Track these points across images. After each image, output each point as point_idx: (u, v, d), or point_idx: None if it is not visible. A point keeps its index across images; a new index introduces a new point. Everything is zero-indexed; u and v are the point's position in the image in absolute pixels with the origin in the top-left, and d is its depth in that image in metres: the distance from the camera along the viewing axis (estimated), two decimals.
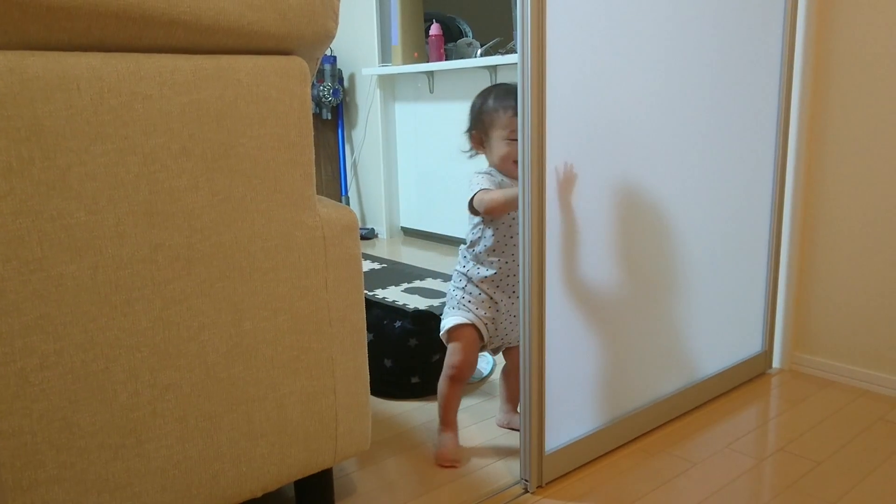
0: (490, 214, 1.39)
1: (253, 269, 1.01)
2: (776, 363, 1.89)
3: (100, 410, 0.91)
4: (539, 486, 1.31)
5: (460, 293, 1.44)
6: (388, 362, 1.74)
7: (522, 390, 1.28)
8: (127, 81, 0.87)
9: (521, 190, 1.21)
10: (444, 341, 1.46)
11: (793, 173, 1.78)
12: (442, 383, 1.44)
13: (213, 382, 1.00)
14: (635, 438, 1.49)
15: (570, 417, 1.37)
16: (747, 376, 1.78)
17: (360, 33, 3.77)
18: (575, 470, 1.37)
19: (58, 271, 0.85)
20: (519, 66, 1.17)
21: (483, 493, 1.29)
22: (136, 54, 0.89)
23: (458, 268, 1.47)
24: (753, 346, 1.81)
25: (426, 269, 3.08)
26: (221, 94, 0.94)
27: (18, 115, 0.81)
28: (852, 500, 1.26)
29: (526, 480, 1.30)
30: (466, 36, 3.50)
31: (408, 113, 3.71)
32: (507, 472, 1.36)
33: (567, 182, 1.28)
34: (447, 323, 1.43)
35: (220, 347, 1.00)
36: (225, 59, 0.95)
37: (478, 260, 1.43)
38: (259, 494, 1.08)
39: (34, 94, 0.81)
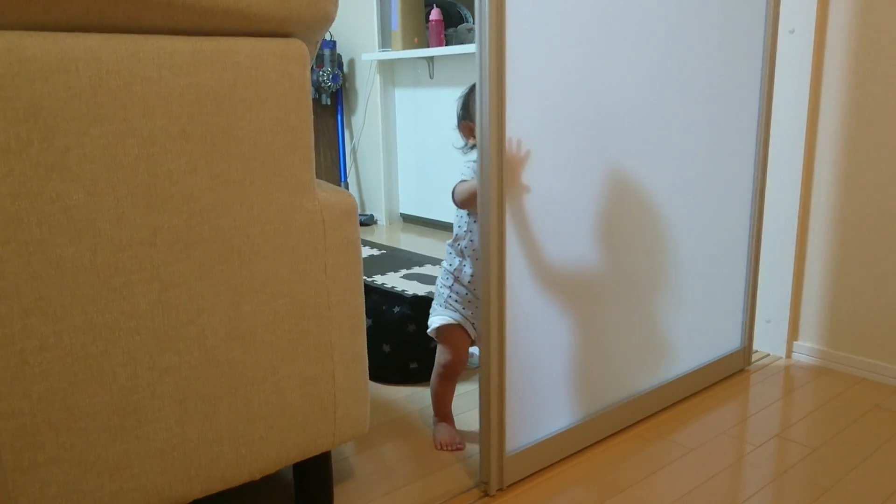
0: (463, 207, 1.35)
1: (252, 252, 1.01)
2: (775, 351, 1.89)
3: (99, 392, 0.91)
4: (499, 490, 1.26)
5: (447, 291, 1.42)
6: (386, 347, 1.75)
7: (481, 389, 1.23)
8: (126, 63, 0.87)
9: (479, 175, 1.16)
10: (433, 337, 1.45)
11: (783, 164, 1.78)
12: (434, 381, 1.45)
13: (211, 365, 1.00)
14: (606, 437, 1.45)
15: (534, 416, 1.32)
16: (726, 373, 1.75)
17: (360, 18, 3.75)
18: (541, 471, 1.33)
19: (57, 253, 0.85)
20: (477, 50, 1.12)
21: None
22: (134, 36, 0.88)
23: (445, 265, 1.44)
24: (733, 342, 1.79)
25: (425, 256, 3.08)
26: (221, 76, 0.94)
27: (17, 96, 0.80)
28: (848, 486, 1.26)
29: (485, 483, 1.26)
30: (467, 21, 3.49)
31: (407, 99, 3.70)
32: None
33: (516, 160, 1.19)
34: (434, 322, 1.42)
35: (219, 331, 1.00)
36: (224, 42, 0.94)
37: (463, 256, 1.40)
38: (258, 477, 1.09)
39: (32, 75, 0.81)
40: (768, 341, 1.90)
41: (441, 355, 1.42)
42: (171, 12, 0.90)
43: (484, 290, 1.20)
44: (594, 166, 1.34)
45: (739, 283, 1.76)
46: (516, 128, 1.18)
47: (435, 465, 1.35)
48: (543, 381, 1.33)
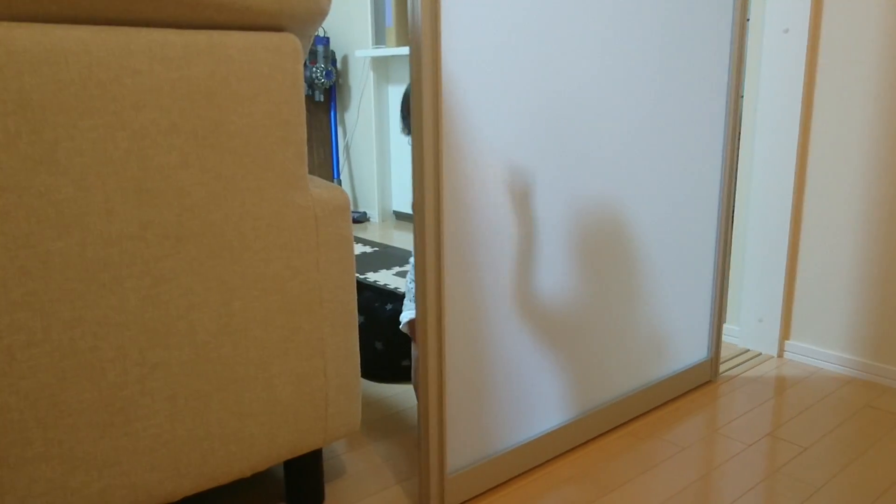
0: None
1: (243, 248, 1.00)
2: (767, 350, 1.90)
3: (88, 388, 0.90)
4: None
5: (415, 286, 1.41)
6: (378, 345, 1.74)
7: (419, 404, 1.16)
8: (116, 55, 0.86)
9: (413, 177, 1.07)
10: (406, 332, 1.43)
11: (776, 163, 1.78)
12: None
13: (202, 362, 0.99)
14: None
15: (480, 432, 1.24)
16: (691, 385, 1.68)
17: (354, 14, 3.74)
18: (492, 490, 1.26)
19: (45, 248, 0.84)
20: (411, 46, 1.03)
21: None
22: (125, 28, 0.87)
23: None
24: (699, 353, 1.71)
25: None
26: (213, 70, 0.93)
27: (5, 87, 0.79)
28: (839, 485, 1.27)
29: None
30: None
31: (401, 95, 3.69)
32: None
33: (525, 189, 1.19)
34: (405, 316, 1.41)
35: (210, 327, 0.99)
36: (216, 35, 0.94)
37: None
38: (248, 474, 1.08)
39: (21, 66, 0.80)
40: (760, 340, 1.91)
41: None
42: (163, 5, 0.89)
43: (419, 292, 1.11)
44: (551, 172, 1.26)
45: (706, 294, 1.69)
46: (459, 131, 1.10)
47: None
48: (492, 397, 1.25)
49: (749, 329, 1.93)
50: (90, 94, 0.84)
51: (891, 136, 1.62)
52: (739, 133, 1.65)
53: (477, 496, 1.24)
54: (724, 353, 1.90)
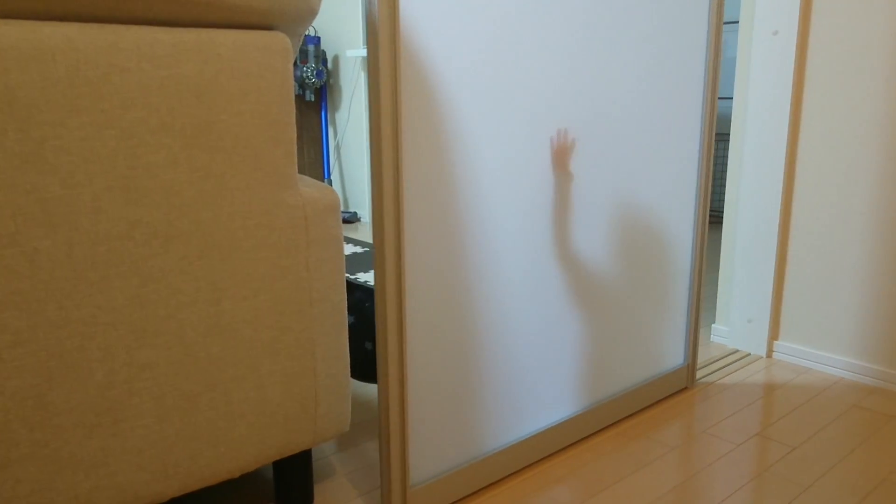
0: None
1: (233, 247, 1.00)
2: (756, 351, 1.91)
3: (75, 388, 0.89)
4: None
5: None
6: (369, 345, 1.74)
7: (380, 415, 1.12)
8: (104, 53, 0.85)
9: (372, 177, 1.03)
10: None
11: (765, 164, 1.79)
12: None
13: (191, 362, 0.98)
14: (539, 460, 1.37)
15: (445, 444, 1.20)
16: (669, 390, 1.66)
17: (345, 14, 3.73)
18: (462, 500, 1.23)
19: (32, 246, 0.84)
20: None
21: None
22: (113, 25, 0.87)
23: None
24: (675, 359, 1.68)
25: None
26: (202, 68, 0.93)
27: None
28: (827, 484, 1.27)
29: None
30: None
31: None
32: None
33: (562, 151, 1.24)
34: None
35: (199, 326, 0.98)
36: (205, 33, 0.93)
37: None
38: (237, 475, 1.07)
39: (8, 64, 0.79)
40: (749, 341, 1.91)
41: None
42: (152, 2, 0.88)
43: (378, 297, 1.08)
44: (524, 176, 1.23)
45: (682, 301, 1.66)
46: (422, 130, 1.07)
47: None
48: (455, 407, 1.21)
49: (738, 329, 1.93)
50: (78, 91, 0.84)
51: (880, 138, 1.63)
52: (715, 136, 1.62)
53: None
54: (713, 354, 1.91)
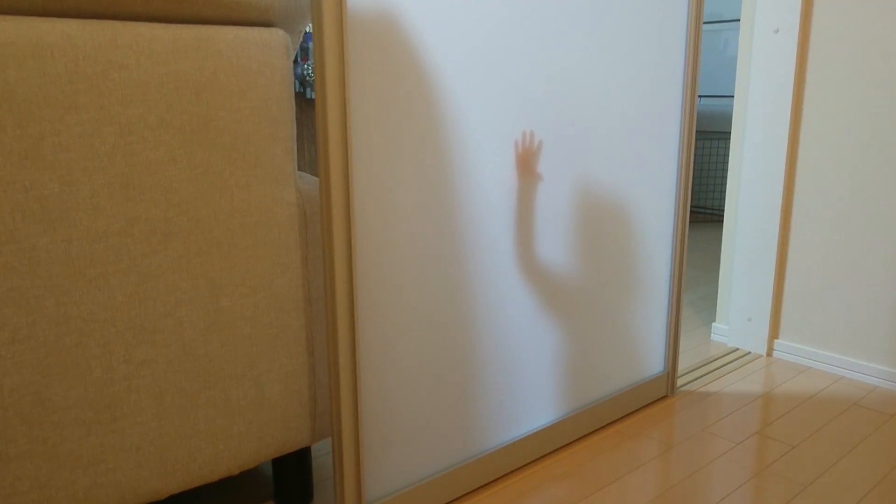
0: None
1: (231, 244, 1.00)
2: (756, 349, 1.90)
3: (73, 385, 0.89)
4: None
5: None
6: None
7: (332, 429, 1.05)
8: (103, 50, 0.85)
9: (320, 174, 0.97)
10: None
11: (765, 163, 1.79)
12: None
13: (190, 359, 0.98)
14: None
15: (403, 458, 1.14)
16: (649, 399, 1.60)
17: None
18: None
19: (30, 243, 0.83)
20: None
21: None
22: (112, 22, 0.86)
23: None
24: (655, 367, 1.62)
25: None
26: (201, 65, 0.92)
27: None
28: (826, 483, 1.27)
29: None
30: None
31: None
32: None
33: (526, 155, 1.18)
34: None
35: (198, 324, 0.98)
36: (204, 30, 0.93)
37: None
38: (236, 472, 1.07)
39: (6, 60, 0.79)
40: (749, 339, 1.91)
41: None
42: None
43: (327, 299, 1.01)
44: (490, 177, 1.18)
45: (662, 309, 1.61)
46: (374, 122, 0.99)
47: None
48: (422, 418, 1.16)
49: (738, 328, 1.93)
50: (76, 88, 0.84)
51: (880, 137, 1.63)
52: (693, 139, 1.56)
53: None
54: (712, 353, 1.91)
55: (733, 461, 1.35)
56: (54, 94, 0.82)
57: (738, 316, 1.93)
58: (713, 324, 2.02)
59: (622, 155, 1.41)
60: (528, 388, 1.33)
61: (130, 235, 0.90)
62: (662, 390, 1.64)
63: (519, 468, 1.33)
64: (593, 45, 1.31)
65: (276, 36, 0.99)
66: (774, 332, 1.88)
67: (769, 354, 1.88)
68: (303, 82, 3.78)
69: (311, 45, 3.73)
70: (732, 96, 3.42)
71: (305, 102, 3.89)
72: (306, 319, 1.09)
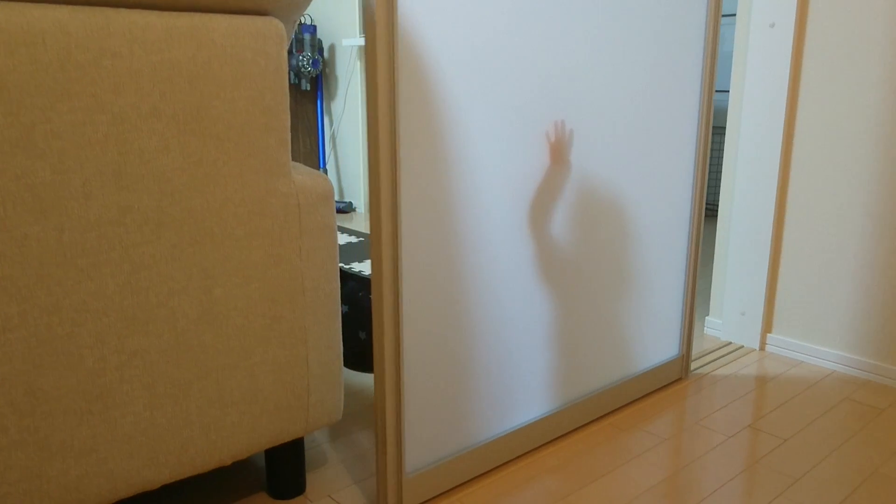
0: None
1: (225, 235, 0.99)
2: (749, 343, 1.91)
3: (65, 375, 0.89)
4: None
5: None
6: (362, 334, 1.74)
7: (375, 403, 1.13)
8: (95, 37, 0.84)
9: (369, 170, 1.03)
10: None
11: (759, 157, 1.79)
12: None
13: (182, 349, 0.98)
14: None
15: (439, 433, 1.20)
16: (663, 381, 1.66)
17: (341, 3, 3.71)
18: (450, 491, 1.23)
19: (21, 232, 0.83)
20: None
21: None
22: (105, 9, 0.86)
23: None
24: (671, 351, 1.68)
25: None
26: (194, 53, 0.92)
27: None
28: (817, 476, 1.28)
29: None
30: None
31: None
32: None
33: (559, 143, 1.25)
34: None
35: (191, 314, 0.98)
36: (198, 18, 0.92)
37: None
38: (228, 463, 1.07)
39: None
40: (742, 333, 1.92)
41: None
42: None
43: (374, 282, 1.08)
44: (520, 168, 1.23)
45: (678, 292, 1.66)
46: (418, 119, 1.06)
47: None
48: (449, 396, 1.21)
49: (731, 322, 1.94)
50: (68, 76, 0.83)
51: (875, 132, 1.63)
52: (711, 130, 1.63)
53: (444, 493, 1.23)
54: (706, 346, 1.92)
55: (725, 454, 1.35)
56: (46, 82, 0.82)
57: (731, 310, 1.93)
58: (707, 318, 2.03)
59: (643, 146, 1.47)
60: (552, 369, 1.39)
61: (123, 225, 0.90)
62: (677, 373, 1.70)
63: (550, 441, 1.40)
64: (617, 41, 1.36)
65: (270, 25, 0.98)
66: (767, 327, 1.89)
67: (762, 348, 1.89)
68: (298, 74, 3.76)
69: (305, 36, 3.71)
70: (727, 91, 3.43)
71: (300, 94, 3.88)
72: (300, 310, 1.09)
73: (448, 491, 1.23)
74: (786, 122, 1.76)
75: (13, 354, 0.85)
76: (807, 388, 1.65)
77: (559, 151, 1.27)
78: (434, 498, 1.21)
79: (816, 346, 1.80)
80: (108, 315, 0.91)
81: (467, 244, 1.19)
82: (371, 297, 1.75)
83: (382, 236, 1.05)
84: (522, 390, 1.34)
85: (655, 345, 1.64)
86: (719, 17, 1.54)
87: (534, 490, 1.23)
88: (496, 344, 1.28)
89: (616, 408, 1.54)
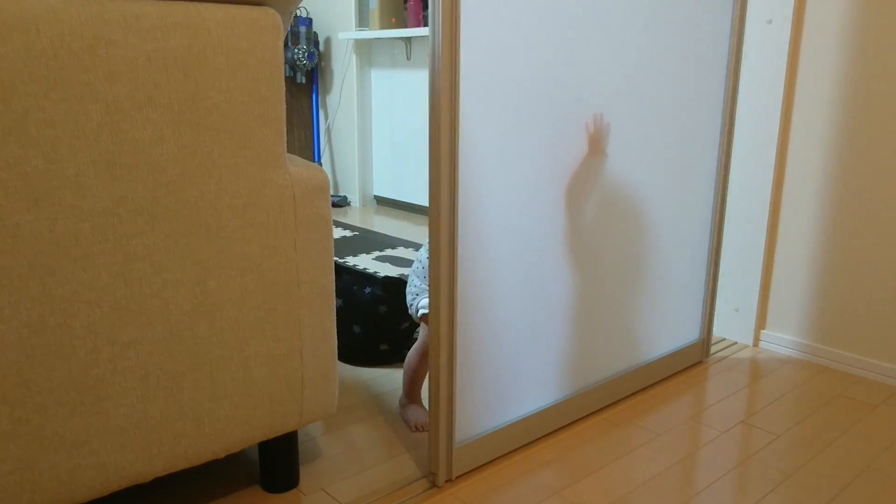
0: None
1: (219, 226, 0.98)
2: (742, 340, 1.91)
3: (57, 366, 0.88)
4: (447, 481, 1.23)
5: None
6: (356, 328, 1.73)
7: (431, 377, 1.19)
8: (90, 25, 0.83)
9: (430, 155, 1.10)
10: (416, 319, 1.40)
11: (755, 153, 1.79)
12: (413, 357, 1.42)
13: (176, 341, 0.97)
14: (564, 427, 1.43)
15: (487, 406, 1.28)
16: (684, 364, 1.73)
17: None
18: (492, 462, 1.30)
19: (13, 221, 0.82)
20: (430, 30, 1.07)
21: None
22: None
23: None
24: (692, 334, 1.76)
25: (398, 238, 3.06)
26: (190, 43, 0.91)
27: None
28: (809, 472, 1.28)
29: (433, 474, 1.22)
30: None
31: (384, 79, 3.66)
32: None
33: (598, 134, 1.33)
34: (427, 303, 1.39)
35: (184, 305, 0.97)
36: (194, 7, 0.91)
37: None
38: (222, 456, 1.07)
39: None
40: (736, 329, 1.92)
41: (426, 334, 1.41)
42: None
43: (433, 272, 1.14)
44: (557, 155, 1.30)
45: (700, 275, 1.74)
46: (472, 113, 1.14)
47: (400, 449, 1.34)
48: (496, 372, 1.29)
49: (725, 318, 1.94)
50: (62, 63, 0.82)
51: (870, 129, 1.63)
52: (734, 123, 1.67)
53: (483, 465, 1.29)
54: None
55: (718, 450, 1.36)
56: (39, 70, 0.81)
57: (725, 306, 1.93)
58: None
59: (671, 138, 1.55)
60: (579, 351, 1.46)
61: (116, 215, 0.89)
62: (699, 355, 1.78)
63: (596, 411, 1.50)
64: (649, 43, 1.43)
65: (266, 15, 0.98)
66: (761, 323, 1.89)
67: (756, 345, 1.89)
68: (293, 67, 3.75)
69: (301, 28, 3.69)
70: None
71: (296, 87, 3.86)
72: (295, 303, 1.08)
73: (493, 460, 1.30)
74: (781, 119, 1.76)
75: (4, 345, 0.84)
76: (800, 385, 1.65)
77: (597, 141, 1.34)
78: (482, 466, 1.28)
79: (810, 343, 1.80)
80: (100, 306, 0.90)
81: (528, 231, 1.28)
82: (366, 290, 1.74)
83: (441, 214, 1.11)
84: (552, 370, 1.39)
85: (677, 328, 1.72)
86: (744, 19, 1.62)
87: (511, 493, 1.23)
88: (534, 324, 1.34)
89: (628, 394, 1.58)
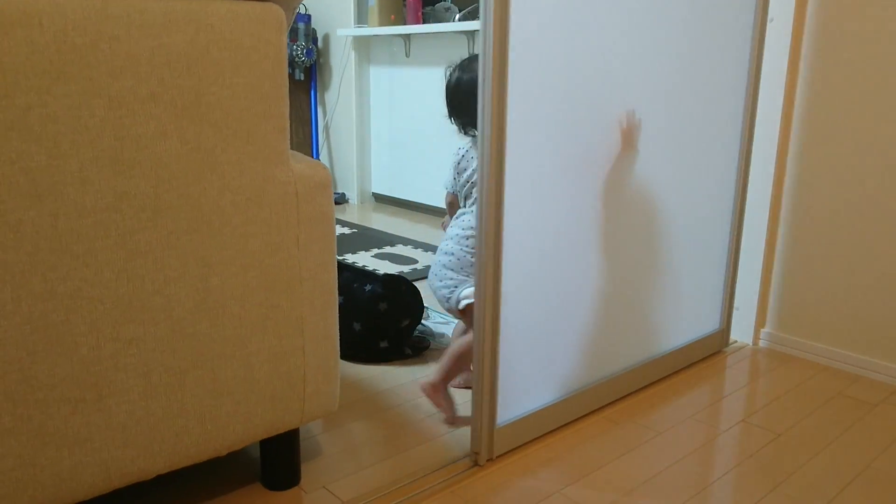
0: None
1: (222, 223, 0.98)
2: (741, 338, 1.92)
3: (59, 363, 0.88)
4: (489, 460, 1.28)
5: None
6: (357, 326, 1.73)
7: (475, 362, 1.25)
8: (93, 20, 0.83)
9: (480, 152, 1.16)
10: (455, 310, 1.42)
11: (756, 153, 1.79)
12: (464, 343, 1.42)
13: (178, 338, 0.97)
14: (593, 412, 1.48)
15: (524, 389, 1.34)
16: (705, 353, 1.79)
17: None
18: (527, 444, 1.35)
19: (16, 217, 0.82)
20: (481, 31, 1.12)
21: (429, 466, 1.26)
22: None
23: (464, 231, 1.43)
24: (712, 323, 1.82)
25: (397, 236, 3.06)
26: (193, 38, 0.90)
27: None
28: (810, 471, 1.28)
29: (476, 453, 1.28)
30: (445, 0, 3.45)
31: (383, 76, 3.65)
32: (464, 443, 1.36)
33: (631, 130, 1.38)
34: (469, 293, 1.39)
35: (187, 302, 0.97)
36: (198, 3, 0.91)
37: None
38: (223, 453, 1.06)
39: None
40: (736, 328, 1.92)
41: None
42: None
43: (479, 265, 1.20)
44: (588, 150, 1.36)
45: (720, 267, 1.80)
46: (518, 108, 1.19)
47: (404, 444, 1.34)
48: (533, 357, 1.35)
49: None
50: (65, 58, 0.82)
51: (871, 128, 1.64)
52: (755, 118, 1.73)
53: (524, 444, 1.35)
54: None
55: (718, 449, 1.36)
56: (42, 64, 0.80)
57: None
58: None
59: (697, 133, 1.61)
60: (604, 339, 1.52)
61: (119, 211, 0.89)
62: (719, 344, 1.84)
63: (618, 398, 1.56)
64: (675, 44, 1.49)
65: (270, 11, 0.97)
66: (761, 322, 1.89)
67: (755, 343, 1.89)
68: (291, 63, 3.74)
69: (300, 25, 3.68)
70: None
71: (294, 84, 3.85)
72: (297, 300, 1.08)
73: (536, 439, 1.37)
74: (782, 117, 1.76)
75: (7, 341, 0.83)
76: (800, 384, 1.66)
77: (630, 137, 1.39)
78: (520, 447, 1.34)
79: (810, 342, 1.81)
80: (103, 302, 0.90)
81: (567, 225, 1.35)
82: (366, 288, 1.74)
83: (487, 197, 1.17)
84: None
85: (698, 318, 1.78)
86: (766, 20, 1.67)
87: (543, 474, 1.23)
88: (568, 315, 1.41)
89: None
